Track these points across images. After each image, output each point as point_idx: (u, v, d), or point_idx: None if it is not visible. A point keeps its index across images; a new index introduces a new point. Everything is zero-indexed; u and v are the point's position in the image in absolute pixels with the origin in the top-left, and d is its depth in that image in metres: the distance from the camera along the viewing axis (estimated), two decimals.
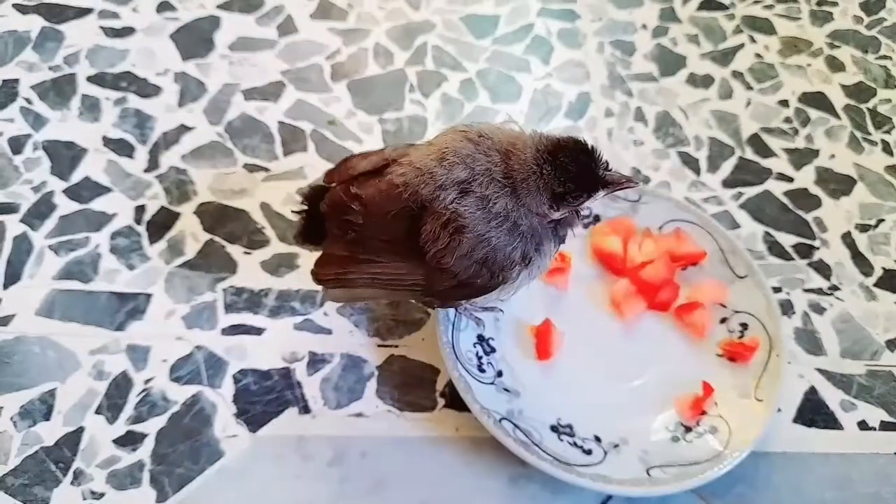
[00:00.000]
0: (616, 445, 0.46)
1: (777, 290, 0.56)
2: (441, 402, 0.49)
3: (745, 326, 0.51)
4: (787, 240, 0.60)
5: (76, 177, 0.58)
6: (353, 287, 0.45)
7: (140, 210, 0.57)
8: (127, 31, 0.68)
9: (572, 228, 0.44)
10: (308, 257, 0.55)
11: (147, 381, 0.49)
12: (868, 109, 0.70)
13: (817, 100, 0.70)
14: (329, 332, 0.52)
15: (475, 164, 0.40)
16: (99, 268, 0.54)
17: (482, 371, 0.48)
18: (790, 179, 0.64)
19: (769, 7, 0.78)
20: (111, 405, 0.48)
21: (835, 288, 0.57)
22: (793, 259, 0.59)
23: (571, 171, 0.39)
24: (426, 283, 0.42)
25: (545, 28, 0.73)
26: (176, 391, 0.49)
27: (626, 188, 0.42)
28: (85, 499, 0.44)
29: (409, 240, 0.41)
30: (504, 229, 0.40)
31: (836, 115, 0.69)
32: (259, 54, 0.68)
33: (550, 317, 0.51)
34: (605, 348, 0.51)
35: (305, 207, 0.46)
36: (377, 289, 0.44)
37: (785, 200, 0.62)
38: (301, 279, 0.54)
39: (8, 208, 0.56)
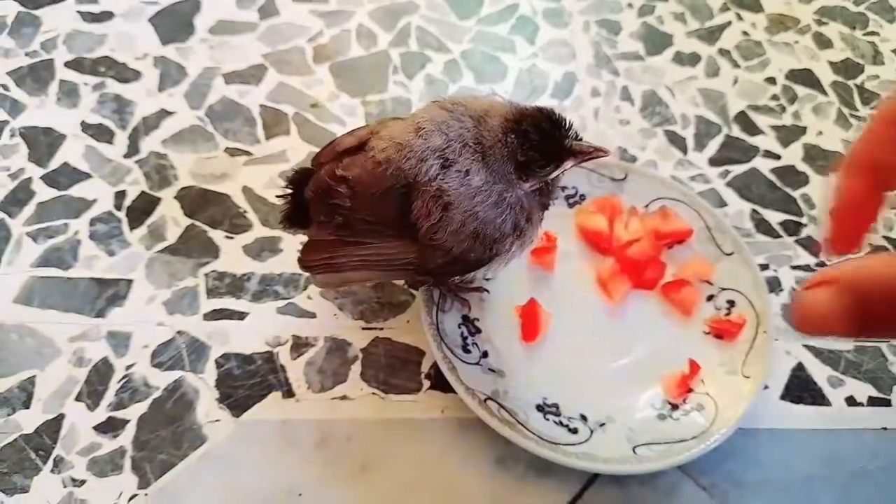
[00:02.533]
0: (602, 424, 0.46)
1: (764, 267, 0.56)
2: (426, 383, 0.49)
3: (732, 304, 0.51)
4: (775, 217, 0.59)
5: (54, 163, 0.57)
6: (342, 271, 0.44)
7: (120, 196, 0.56)
8: (105, 16, 0.67)
9: (552, 199, 0.43)
10: (291, 241, 0.55)
11: (128, 367, 0.48)
12: (856, 86, 0.69)
13: (805, 77, 0.69)
14: (313, 315, 0.51)
15: (449, 130, 0.40)
16: (78, 254, 0.53)
17: (467, 352, 0.47)
18: (777, 157, 0.63)
19: None
20: (91, 392, 0.47)
21: (822, 265, 0.57)
22: (780, 236, 0.58)
23: (533, 140, 0.39)
24: (419, 261, 0.42)
25: (530, 7, 0.73)
26: (157, 377, 0.48)
27: (595, 158, 0.41)
28: (65, 486, 0.44)
29: (399, 218, 0.41)
30: (489, 203, 0.40)
31: (824, 92, 0.68)
32: (240, 37, 0.67)
33: (536, 297, 0.51)
34: (591, 327, 0.51)
35: (290, 191, 0.45)
36: (367, 271, 0.44)
37: (772, 178, 0.62)
38: (284, 263, 0.54)
39: None
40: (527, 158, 0.40)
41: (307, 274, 0.50)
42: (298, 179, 0.45)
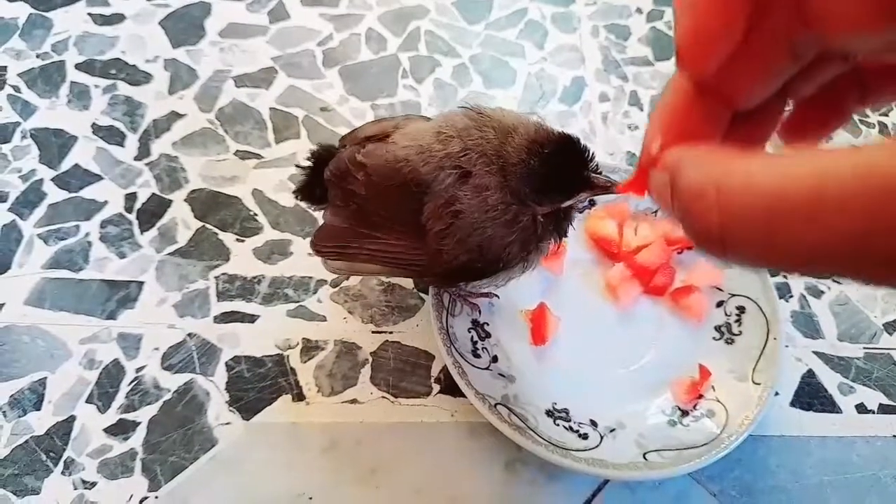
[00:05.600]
0: (612, 430, 0.46)
1: (774, 273, 0.56)
2: (436, 387, 0.49)
3: (741, 310, 0.50)
4: None
5: (65, 165, 0.58)
6: (352, 261, 0.44)
7: (131, 198, 0.56)
8: (116, 18, 0.67)
9: (571, 223, 0.43)
10: (301, 244, 0.55)
11: (139, 369, 0.48)
12: None
13: None
14: (323, 318, 0.52)
15: (469, 138, 0.39)
16: (89, 256, 0.53)
17: (477, 356, 0.47)
18: None
19: None
20: (102, 394, 0.47)
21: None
22: None
23: (554, 167, 0.38)
24: (426, 263, 0.42)
25: (539, 12, 0.73)
26: (168, 379, 0.48)
27: (610, 193, 0.39)
28: (76, 488, 0.44)
29: (410, 216, 0.41)
30: (502, 221, 0.39)
31: None
32: (250, 41, 0.67)
33: (545, 301, 0.51)
34: (600, 333, 0.51)
35: (310, 164, 0.45)
36: (376, 264, 0.44)
37: None
38: (294, 266, 0.54)
39: None
40: (545, 184, 0.39)
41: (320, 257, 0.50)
42: (321, 156, 0.45)
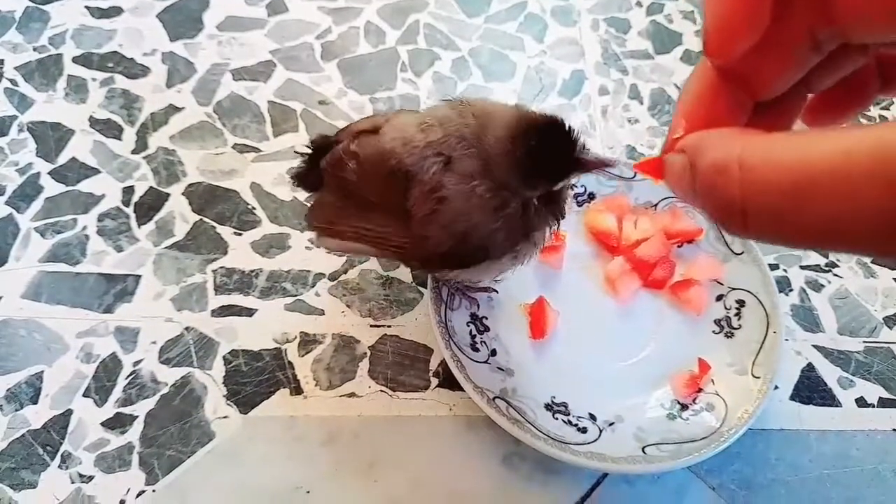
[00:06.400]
0: (611, 423, 0.46)
1: (774, 266, 0.56)
2: (434, 381, 0.49)
3: (741, 303, 0.50)
4: None
5: (62, 158, 0.57)
6: (343, 239, 0.44)
7: (128, 191, 0.56)
8: (114, 11, 0.67)
9: (562, 210, 0.42)
10: (299, 237, 0.54)
11: (136, 363, 0.48)
12: None
13: None
14: (321, 312, 0.51)
15: (449, 125, 0.40)
16: (86, 250, 0.53)
17: (476, 350, 0.47)
18: None
19: None
20: (99, 388, 0.47)
21: (833, 265, 0.57)
22: None
23: (540, 149, 0.37)
24: (411, 248, 0.42)
25: (539, 5, 0.72)
26: (165, 373, 0.48)
27: (599, 170, 0.38)
28: (73, 482, 0.44)
29: (398, 202, 0.41)
30: (487, 208, 0.39)
31: None
32: (248, 34, 0.67)
33: (544, 295, 0.50)
34: (599, 326, 0.50)
35: (310, 152, 0.46)
36: (364, 244, 0.44)
37: None
38: (292, 259, 0.53)
39: None
40: (532, 167, 0.38)
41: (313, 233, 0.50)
42: (320, 145, 0.46)
